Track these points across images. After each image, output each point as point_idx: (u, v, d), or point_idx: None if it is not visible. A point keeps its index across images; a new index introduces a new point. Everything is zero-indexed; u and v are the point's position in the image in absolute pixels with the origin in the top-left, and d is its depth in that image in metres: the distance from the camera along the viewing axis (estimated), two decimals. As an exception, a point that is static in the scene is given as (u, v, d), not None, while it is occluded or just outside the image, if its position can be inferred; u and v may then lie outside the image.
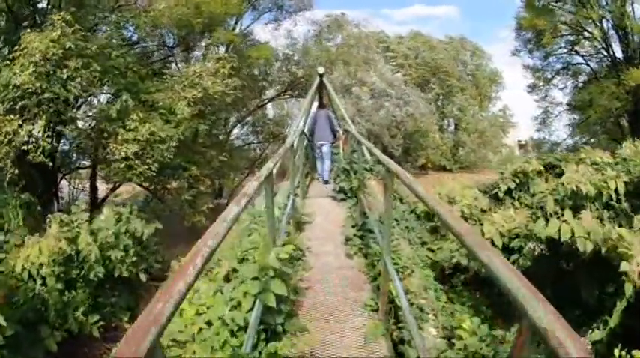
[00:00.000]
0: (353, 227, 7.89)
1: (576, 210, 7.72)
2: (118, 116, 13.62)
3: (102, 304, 10.50)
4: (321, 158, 12.93)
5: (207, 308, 4.73)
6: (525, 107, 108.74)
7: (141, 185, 16.23)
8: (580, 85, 28.66)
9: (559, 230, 7.15)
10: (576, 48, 27.39)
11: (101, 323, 9.72)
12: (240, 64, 23.14)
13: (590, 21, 24.31)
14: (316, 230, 8.66)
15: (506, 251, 8.44)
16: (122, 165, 13.63)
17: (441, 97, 52.64)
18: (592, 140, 28.06)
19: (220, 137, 24.22)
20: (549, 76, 30.29)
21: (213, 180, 22.41)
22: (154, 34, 19.22)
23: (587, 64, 27.40)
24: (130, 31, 18.58)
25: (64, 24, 12.77)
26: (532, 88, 30.70)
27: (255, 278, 4.29)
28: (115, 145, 13.42)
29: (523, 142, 62.56)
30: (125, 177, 14.63)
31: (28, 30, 13.22)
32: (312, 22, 28.31)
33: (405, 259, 6.57)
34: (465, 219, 11.25)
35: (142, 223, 11.69)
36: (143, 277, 11.12)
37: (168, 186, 16.46)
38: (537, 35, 26.09)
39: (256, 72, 26.19)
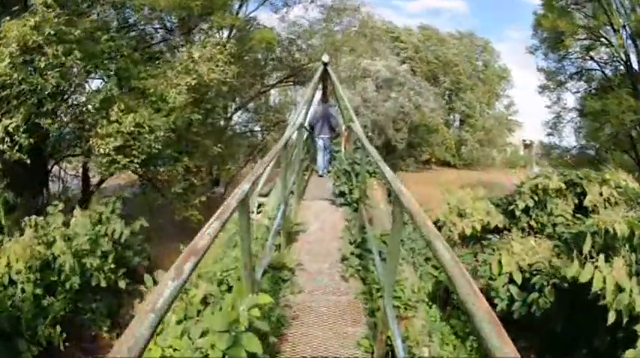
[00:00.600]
0: (351, 243, 6.92)
1: (605, 251, 6.78)
2: (101, 106, 12.67)
3: (82, 310, 9.79)
4: (321, 151, 13.19)
5: (175, 350, 3.91)
6: (531, 108, 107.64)
7: (135, 172, 15.21)
8: (593, 91, 27.48)
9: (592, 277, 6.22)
10: (591, 53, 26.31)
11: (79, 332, 9.31)
12: (242, 49, 22.20)
13: (609, 27, 23.26)
14: (310, 241, 7.75)
15: (525, 288, 7.59)
16: (104, 160, 12.71)
17: (448, 92, 51.49)
18: (596, 146, 27.94)
19: (220, 124, 23.18)
20: (562, 79, 29.07)
21: (211, 169, 21.55)
22: (153, 16, 18.01)
23: (602, 71, 26.35)
24: (126, 13, 17.37)
25: (45, 8, 11.63)
26: (543, 89, 29.53)
27: (224, 331, 3.40)
28: (95, 140, 12.45)
29: (528, 142, 61.85)
30: (109, 172, 13.61)
31: (7, 17, 11.90)
32: (320, 6, 26.95)
33: (409, 293, 5.65)
34: (478, 240, 10.37)
35: (121, 224, 10.68)
36: (123, 284, 10.18)
37: (159, 177, 15.61)
38: (555, 36, 24.99)
39: (260, 57, 25.19)
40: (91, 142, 12.57)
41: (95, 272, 9.64)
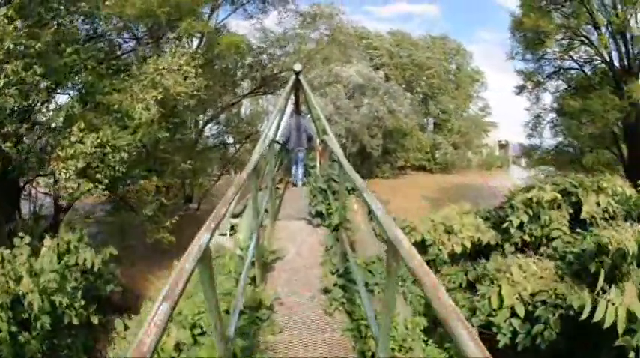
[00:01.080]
0: (332, 273, 6.28)
1: (612, 273, 6.22)
2: (64, 125, 11.93)
3: (59, 346, 9.23)
4: (295, 163, 12.93)
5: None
6: (505, 109, 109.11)
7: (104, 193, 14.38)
8: (572, 90, 27.33)
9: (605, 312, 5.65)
10: (570, 53, 26.13)
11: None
12: (210, 56, 21.43)
13: (590, 26, 23.14)
14: (288, 270, 7.04)
15: (529, 320, 7.06)
16: (68, 185, 11.79)
17: (422, 97, 51.30)
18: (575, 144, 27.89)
19: (192, 137, 22.32)
20: (540, 79, 28.92)
21: (183, 185, 20.71)
22: (121, 26, 17.01)
23: (582, 70, 26.23)
24: (95, 23, 16.25)
25: (5, 20, 10.79)
26: (520, 89, 29.37)
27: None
28: (56, 163, 11.59)
29: (504, 142, 62.19)
30: (72, 197, 12.73)
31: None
32: (295, 12, 26.14)
33: (403, 329, 5.04)
34: (468, 257, 9.80)
35: (91, 253, 10.08)
36: (95, 320, 9.62)
37: (129, 197, 14.79)
38: (534, 37, 24.73)
39: (230, 66, 24.40)
40: (52, 166, 11.71)
41: (66, 309, 8.95)
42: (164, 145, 14.89)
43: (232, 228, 9.33)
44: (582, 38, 24.45)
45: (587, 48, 24.90)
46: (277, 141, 11.62)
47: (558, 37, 24.61)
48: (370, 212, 4.35)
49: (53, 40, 12.28)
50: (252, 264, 6.01)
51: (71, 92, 13.95)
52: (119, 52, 17.97)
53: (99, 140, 11.57)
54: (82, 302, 9.40)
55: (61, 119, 11.89)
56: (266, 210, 8.38)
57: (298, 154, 12.77)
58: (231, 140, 29.82)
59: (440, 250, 10.07)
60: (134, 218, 15.06)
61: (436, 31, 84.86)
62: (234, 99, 26.26)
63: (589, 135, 23.64)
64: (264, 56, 25.07)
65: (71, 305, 9.09)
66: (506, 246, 9.91)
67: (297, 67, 12.31)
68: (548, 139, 30.27)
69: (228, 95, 25.02)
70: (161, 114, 13.64)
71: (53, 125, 12.27)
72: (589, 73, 26.02)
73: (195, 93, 14.55)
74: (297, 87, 12.93)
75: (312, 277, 6.61)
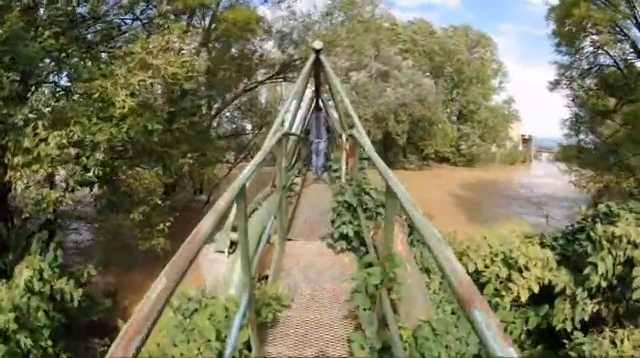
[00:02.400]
0: (363, 348, 3.69)
1: None
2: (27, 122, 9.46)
3: None
4: (316, 153, 13.65)
5: None
6: (525, 102, 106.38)
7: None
8: (606, 88, 24.60)
9: None
10: (606, 48, 23.26)
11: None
12: (219, 37, 19.65)
13: (628, 20, 20.36)
14: (298, 332, 4.32)
15: None
16: (31, 196, 9.52)
17: (450, 85, 48.07)
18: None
19: (202, 125, 19.63)
20: (575, 75, 26.10)
21: (191, 176, 18.07)
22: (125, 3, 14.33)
23: (619, 68, 23.34)
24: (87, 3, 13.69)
25: None
26: (555, 84, 26.53)
27: None
28: (12, 173, 9.23)
29: (527, 137, 59.00)
30: (38, 208, 10.12)
31: None
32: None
33: None
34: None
35: (69, 285, 8.37)
36: None
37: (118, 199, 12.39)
38: (576, 28, 21.87)
39: (246, 51, 21.65)
40: (8, 177, 9.37)
41: (32, 349, 7.34)
42: (160, 137, 12.21)
43: (232, 244, 6.85)
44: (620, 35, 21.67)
45: (622, 44, 22.40)
46: (292, 134, 9.48)
47: (591, 31, 21.91)
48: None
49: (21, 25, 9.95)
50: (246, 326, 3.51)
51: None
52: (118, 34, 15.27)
53: (66, 139, 9.07)
54: (49, 343, 7.80)
55: (21, 117, 9.37)
56: (275, 217, 6.00)
57: (319, 145, 13.41)
58: (250, 126, 27.20)
59: (501, 294, 7.42)
60: (126, 219, 12.59)
61: (457, 22, 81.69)
62: (251, 85, 23.29)
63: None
64: (287, 40, 22.12)
65: (38, 346, 7.56)
66: (579, 292, 7.24)
67: (318, 44, 9.44)
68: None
69: (243, 81, 22.22)
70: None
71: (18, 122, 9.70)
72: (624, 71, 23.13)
73: (193, 74, 11.87)
74: (317, 68, 10.29)
75: (330, 344, 4.09)
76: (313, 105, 15.82)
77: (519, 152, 56.00)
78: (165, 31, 11.67)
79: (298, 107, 11.83)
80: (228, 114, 25.75)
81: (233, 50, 21.56)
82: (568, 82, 26.23)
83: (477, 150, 47.48)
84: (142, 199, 12.35)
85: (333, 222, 6.50)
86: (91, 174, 9.65)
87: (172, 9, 12.96)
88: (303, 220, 8.12)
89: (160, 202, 12.35)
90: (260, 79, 23.63)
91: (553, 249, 8.27)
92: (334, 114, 14.42)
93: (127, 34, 14.10)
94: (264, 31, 20.69)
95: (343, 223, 6.51)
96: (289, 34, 21.75)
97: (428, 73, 44.15)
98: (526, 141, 59.72)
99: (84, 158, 9.57)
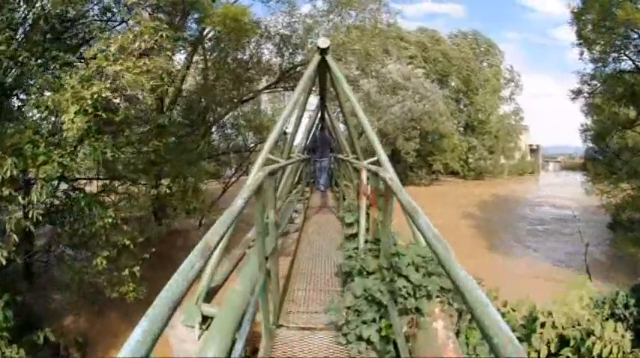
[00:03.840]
0: None
1: None
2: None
3: None
4: (320, 171, 14.29)
5: None
6: (529, 110, 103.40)
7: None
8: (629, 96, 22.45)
9: None
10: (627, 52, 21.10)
11: None
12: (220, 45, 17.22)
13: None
14: None
15: None
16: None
17: (456, 95, 45.08)
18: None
19: (191, 142, 16.83)
20: (597, 83, 23.87)
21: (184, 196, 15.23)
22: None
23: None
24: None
25: None
26: (577, 93, 24.24)
27: None
28: None
29: (534, 147, 56.18)
30: None
31: None
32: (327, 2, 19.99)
33: None
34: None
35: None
36: None
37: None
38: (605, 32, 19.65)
39: (245, 57, 18.83)
40: None
41: None
42: (122, 163, 9.48)
43: (205, 319, 4.44)
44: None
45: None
46: (281, 164, 6.63)
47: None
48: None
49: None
50: None
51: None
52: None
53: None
54: None
55: None
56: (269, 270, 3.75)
57: (322, 163, 14.12)
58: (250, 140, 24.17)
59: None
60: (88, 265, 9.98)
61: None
62: (245, 97, 20.13)
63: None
64: (286, 46, 19.16)
65: None
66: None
67: (324, 42, 6.67)
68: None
69: (240, 91, 19.24)
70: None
71: None
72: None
73: (157, 84, 9.10)
74: (322, 72, 7.53)
75: None
76: (319, 117, 13.21)
77: (528, 163, 53.08)
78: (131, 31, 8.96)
79: (299, 121, 9.16)
80: (227, 128, 22.65)
81: (229, 60, 18.78)
82: (590, 92, 24.11)
83: (486, 163, 44.87)
84: (109, 239, 9.79)
85: (345, 325, 3.72)
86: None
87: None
88: (303, 283, 5.54)
89: (127, 243, 9.64)
90: (260, 88, 20.60)
91: (622, 320, 6.46)
92: (340, 128, 12.11)
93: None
94: (260, 35, 17.88)
95: (364, 323, 3.81)
96: (289, 36, 18.85)
97: (436, 83, 41.16)
98: (534, 151, 56.86)
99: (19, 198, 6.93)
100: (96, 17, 11.33)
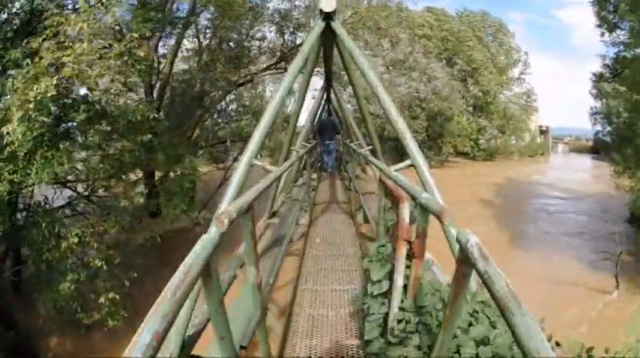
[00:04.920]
0: None
1: None
2: None
3: None
4: (327, 153, 14.89)
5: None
6: (538, 92, 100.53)
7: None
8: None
9: None
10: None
11: None
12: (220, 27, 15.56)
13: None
14: None
15: None
16: None
17: (463, 75, 42.61)
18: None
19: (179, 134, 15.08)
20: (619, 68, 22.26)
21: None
22: None
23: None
24: None
25: None
26: (599, 77, 22.86)
27: None
28: None
29: (544, 128, 54.21)
30: None
31: None
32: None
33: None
34: None
35: None
36: None
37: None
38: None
39: (238, 37, 16.87)
40: None
41: None
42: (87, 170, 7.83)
43: None
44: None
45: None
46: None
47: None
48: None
49: None
50: None
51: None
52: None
53: None
54: None
55: None
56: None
57: (329, 146, 14.65)
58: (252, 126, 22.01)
59: None
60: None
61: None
62: (242, 80, 18.06)
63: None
64: (289, 23, 17.12)
65: None
66: None
67: (328, 4, 4.75)
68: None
69: (238, 73, 17.26)
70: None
71: None
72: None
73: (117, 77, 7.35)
74: (327, 43, 5.61)
75: None
76: (324, 99, 11.43)
77: (538, 144, 50.98)
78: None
79: (300, 104, 7.29)
80: (223, 114, 20.57)
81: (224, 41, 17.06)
82: (613, 75, 22.67)
83: (496, 143, 43.20)
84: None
85: None
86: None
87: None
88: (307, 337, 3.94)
89: (100, 265, 8.10)
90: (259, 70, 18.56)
91: None
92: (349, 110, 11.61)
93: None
94: (255, 12, 15.95)
95: None
96: (289, 12, 16.84)
97: (444, 62, 38.97)
98: (543, 132, 54.64)
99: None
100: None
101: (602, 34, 20.65)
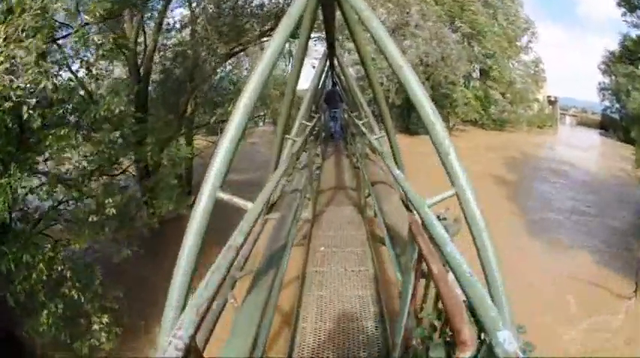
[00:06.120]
0: None
1: None
2: None
3: None
4: (333, 121, 15.48)
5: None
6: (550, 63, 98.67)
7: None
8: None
9: None
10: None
11: None
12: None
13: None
14: None
15: None
16: None
17: (467, 39, 40.49)
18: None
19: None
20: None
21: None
22: None
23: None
24: None
25: None
26: (618, 59, 22.16)
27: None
28: None
29: (553, 99, 52.35)
30: None
31: None
32: None
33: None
34: None
35: None
36: None
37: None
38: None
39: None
40: None
41: None
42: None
43: None
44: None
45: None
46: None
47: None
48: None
49: None
50: None
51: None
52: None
53: None
54: None
55: None
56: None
57: (335, 114, 15.36)
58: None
59: None
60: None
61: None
62: (234, 51, 16.47)
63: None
64: None
65: None
66: None
67: None
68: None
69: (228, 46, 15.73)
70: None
71: None
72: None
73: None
74: (328, 6, 4.09)
75: None
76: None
77: (546, 115, 49.20)
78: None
79: (297, 75, 5.73)
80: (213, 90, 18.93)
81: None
82: (630, 60, 22.20)
83: (508, 115, 41.74)
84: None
85: None
86: None
87: None
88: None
89: (76, 296, 7.46)
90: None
91: None
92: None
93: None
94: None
95: None
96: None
97: (448, 26, 37.07)
98: (552, 102, 52.68)
99: None
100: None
101: (625, 14, 19.99)
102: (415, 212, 2.51)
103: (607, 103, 29.33)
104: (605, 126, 45.23)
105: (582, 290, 12.67)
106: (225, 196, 2.34)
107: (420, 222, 2.35)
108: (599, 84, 27.57)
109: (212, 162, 2.34)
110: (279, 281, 3.97)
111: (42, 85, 6.93)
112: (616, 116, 34.83)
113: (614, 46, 28.80)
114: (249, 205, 2.43)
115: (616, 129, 39.05)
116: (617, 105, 28.20)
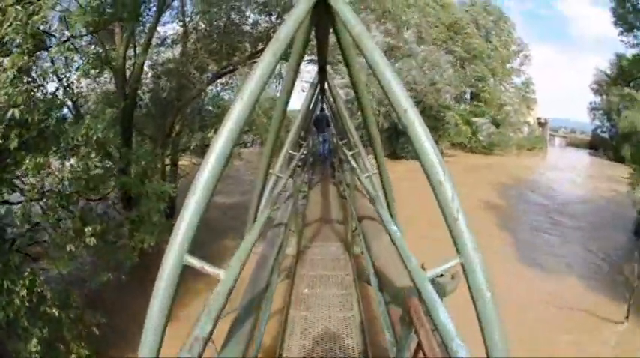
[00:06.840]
0: None
1: None
2: None
3: None
4: (322, 143, 16.24)
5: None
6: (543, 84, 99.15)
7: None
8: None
9: None
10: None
11: None
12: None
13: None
14: None
15: None
16: None
17: (460, 63, 40.59)
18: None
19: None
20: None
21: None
22: None
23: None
24: None
25: None
26: (613, 81, 22.30)
27: None
28: None
29: (542, 121, 52.56)
30: None
31: None
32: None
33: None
34: None
35: None
36: None
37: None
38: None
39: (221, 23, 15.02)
40: None
41: None
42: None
43: None
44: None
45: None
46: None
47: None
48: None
49: None
50: None
51: None
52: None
53: None
54: None
55: None
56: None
57: (324, 136, 16.18)
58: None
59: None
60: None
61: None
62: (221, 72, 16.06)
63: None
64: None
65: None
66: None
67: None
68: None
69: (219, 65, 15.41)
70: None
71: None
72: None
73: None
74: (320, 23, 3.61)
75: None
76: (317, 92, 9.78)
77: (536, 138, 49.29)
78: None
79: (286, 100, 5.21)
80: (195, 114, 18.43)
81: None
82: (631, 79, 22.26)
83: (496, 138, 41.42)
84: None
85: None
86: None
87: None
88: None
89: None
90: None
91: None
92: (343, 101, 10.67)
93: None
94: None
95: None
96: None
97: (442, 51, 37.10)
98: (542, 124, 52.89)
99: None
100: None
101: (621, 33, 20.05)
102: (414, 284, 2.05)
103: (597, 122, 29.45)
104: (595, 145, 45.49)
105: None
106: (195, 261, 1.90)
107: (420, 307, 1.94)
108: (590, 103, 27.73)
109: (179, 219, 1.89)
110: (263, 327, 3.75)
111: (18, 104, 6.56)
112: (606, 135, 34.82)
113: (605, 65, 28.90)
114: (221, 274, 1.99)
115: (605, 148, 39.62)
116: (608, 124, 27.64)
